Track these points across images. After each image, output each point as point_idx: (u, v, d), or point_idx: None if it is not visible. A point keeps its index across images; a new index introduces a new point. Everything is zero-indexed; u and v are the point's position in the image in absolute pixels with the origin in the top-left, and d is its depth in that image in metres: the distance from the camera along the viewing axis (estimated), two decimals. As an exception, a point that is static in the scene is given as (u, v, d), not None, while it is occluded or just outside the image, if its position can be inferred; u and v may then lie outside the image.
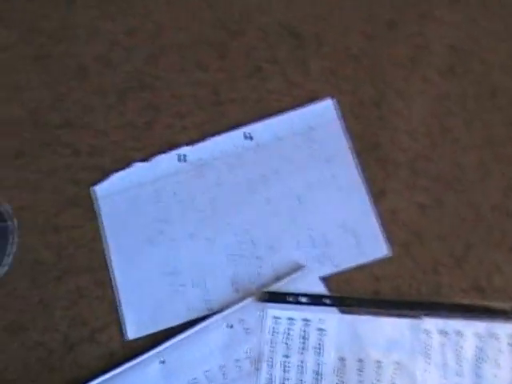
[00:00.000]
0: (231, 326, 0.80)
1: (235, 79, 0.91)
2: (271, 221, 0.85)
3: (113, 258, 0.84)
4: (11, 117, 0.90)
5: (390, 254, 0.82)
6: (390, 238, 0.83)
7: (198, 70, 0.92)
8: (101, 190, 0.87)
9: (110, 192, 0.87)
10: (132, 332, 0.82)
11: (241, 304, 0.81)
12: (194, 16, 0.94)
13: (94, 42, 0.94)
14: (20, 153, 0.89)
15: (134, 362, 0.79)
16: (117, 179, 0.87)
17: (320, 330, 0.79)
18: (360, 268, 0.82)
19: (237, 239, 0.84)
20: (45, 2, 0.95)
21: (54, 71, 0.93)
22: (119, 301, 0.83)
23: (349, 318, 0.79)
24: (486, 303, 0.80)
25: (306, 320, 0.79)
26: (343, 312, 0.80)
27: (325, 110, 0.88)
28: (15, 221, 0.83)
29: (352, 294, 0.81)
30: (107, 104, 0.91)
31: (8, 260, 0.83)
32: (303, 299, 0.80)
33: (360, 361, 0.78)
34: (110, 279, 0.84)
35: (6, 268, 0.82)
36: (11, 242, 0.83)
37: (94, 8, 0.95)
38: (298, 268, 0.82)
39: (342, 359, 0.78)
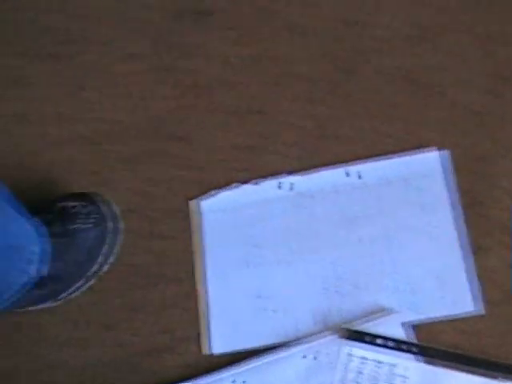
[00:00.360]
0: (313, 358, 0.80)
1: (344, 116, 0.93)
2: (361, 260, 0.85)
3: (208, 272, 0.86)
4: (132, 123, 0.94)
5: (482, 312, 0.82)
6: (484, 296, 0.82)
7: (310, 103, 0.94)
8: (206, 205, 0.89)
9: (215, 208, 0.89)
10: (217, 347, 0.83)
11: (322, 337, 0.81)
12: (324, 51, 0.96)
13: (217, 61, 0.97)
14: (134, 158, 0.92)
15: (210, 377, 0.80)
16: (222, 197, 0.89)
17: (401, 376, 0.78)
18: (449, 321, 0.82)
19: (326, 273, 0.85)
20: (178, 17, 0.99)
21: (176, 85, 0.96)
22: (208, 314, 0.85)
23: (431, 368, 0.79)
24: None
25: (390, 364, 0.79)
26: (425, 362, 0.79)
27: (431, 159, 0.89)
28: (121, 223, 0.84)
29: (436, 345, 0.80)
30: (219, 123, 0.93)
31: (103, 259, 0.83)
32: (388, 343, 0.80)
33: (434, 413, 0.78)
34: (196, 292, 0.85)
35: (105, 266, 0.83)
36: (108, 242, 0.83)
37: (225, 30, 0.98)
38: (381, 310, 0.82)
39: (416, 408, 0.78)
